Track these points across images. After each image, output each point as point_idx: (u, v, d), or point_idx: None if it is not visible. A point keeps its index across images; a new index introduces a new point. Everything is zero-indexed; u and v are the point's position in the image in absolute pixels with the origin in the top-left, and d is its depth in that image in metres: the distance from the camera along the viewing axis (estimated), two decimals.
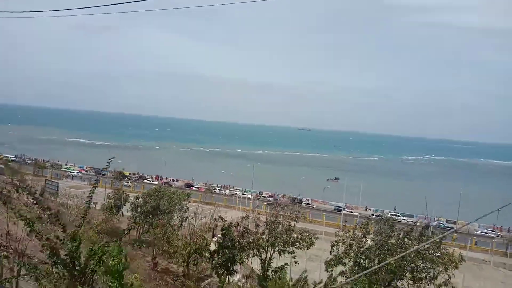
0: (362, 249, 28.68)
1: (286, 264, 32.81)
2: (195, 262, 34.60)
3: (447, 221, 73.42)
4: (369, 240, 28.84)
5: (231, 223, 34.33)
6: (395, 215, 79.62)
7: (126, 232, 8.40)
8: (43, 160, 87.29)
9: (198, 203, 48.68)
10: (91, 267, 5.35)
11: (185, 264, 33.74)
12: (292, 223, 33.49)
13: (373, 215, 71.86)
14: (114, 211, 47.32)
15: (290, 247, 32.29)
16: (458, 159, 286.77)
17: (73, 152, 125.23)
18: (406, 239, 28.13)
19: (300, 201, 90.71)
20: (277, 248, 31.92)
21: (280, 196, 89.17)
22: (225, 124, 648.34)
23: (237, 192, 79.60)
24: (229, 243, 32.32)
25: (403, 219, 74.28)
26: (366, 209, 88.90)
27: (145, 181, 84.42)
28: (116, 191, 49.05)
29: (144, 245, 41.43)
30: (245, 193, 79.39)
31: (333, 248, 30.18)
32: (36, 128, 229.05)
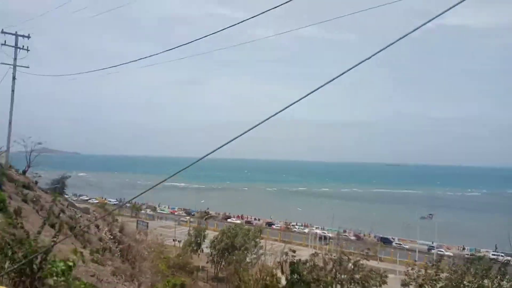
0: None
1: None
2: None
3: None
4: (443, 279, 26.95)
5: (300, 259, 34.53)
6: (497, 255, 71.49)
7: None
8: (140, 203, 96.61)
9: (264, 240, 49.23)
10: (38, 265, 6.40)
11: None
12: (362, 261, 32.52)
13: (467, 254, 65.55)
14: (194, 247, 50.15)
15: (357, 286, 31.24)
16: None
17: (167, 195, 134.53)
18: (485, 279, 25.80)
19: (389, 241, 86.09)
20: (345, 286, 31.11)
21: (363, 234, 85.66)
22: (312, 163, 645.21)
23: (317, 231, 78.51)
24: (297, 279, 32.47)
25: (507, 259, 66.41)
26: (461, 249, 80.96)
27: (228, 220, 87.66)
28: (196, 228, 51.95)
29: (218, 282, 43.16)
30: (325, 232, 77.99)
31: None
32: (137, 175, 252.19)
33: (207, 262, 47.95)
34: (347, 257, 32.84)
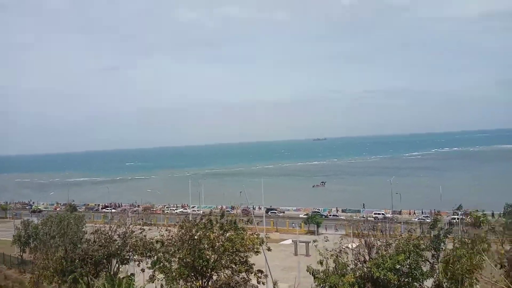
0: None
1: (132, 274, 32.74)
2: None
3: (393, 212, 71.26)
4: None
5: (87, 238, 34.88)
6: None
7: None
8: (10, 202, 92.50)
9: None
10: None
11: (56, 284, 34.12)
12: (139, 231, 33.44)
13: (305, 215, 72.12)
14: (23, 240, 48.70)
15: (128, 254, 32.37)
16: (470, 148, 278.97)
17: (62, 192, 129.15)
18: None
19: (273, 211, 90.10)
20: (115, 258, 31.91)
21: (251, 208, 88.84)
22: (239, 145, 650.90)
23: (188, 210, 79.80)
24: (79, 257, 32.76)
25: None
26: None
27: (104, 210, 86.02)
28: (23, 222, 50.36)
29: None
30: (195, 210, 79.66)
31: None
32: (48, 173, 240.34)
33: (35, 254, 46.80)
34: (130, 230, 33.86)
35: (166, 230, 31.72)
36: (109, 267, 33.03)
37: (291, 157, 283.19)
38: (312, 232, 58.70)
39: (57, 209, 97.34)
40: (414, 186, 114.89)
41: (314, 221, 60.73)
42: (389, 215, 62.39)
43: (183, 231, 27.98)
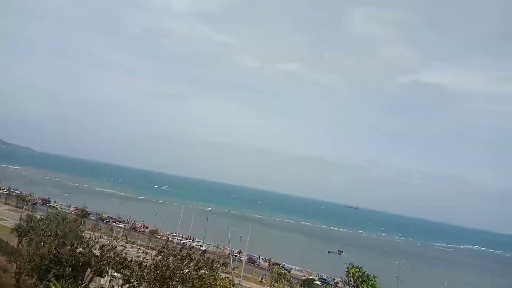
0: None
1: (102, 286, 32.27)
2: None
3: None
4: None
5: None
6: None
7: None
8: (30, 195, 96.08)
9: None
10: None
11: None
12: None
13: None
14: (20, 232, 49.66)
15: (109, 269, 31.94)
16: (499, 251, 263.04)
17: (81, 198, 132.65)
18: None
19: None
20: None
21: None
22: (277, 195, 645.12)
23: (186, 242, 78.94)
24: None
25: None
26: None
27: (113, 223, 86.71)
28: (29, 215, 51.60)
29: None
30: (198, 244, 78.34)
31: None
32: (69, 176, 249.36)
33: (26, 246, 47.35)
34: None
35: (144, 252, 31.31)
36: (83, 276, 32.81)
37: (316, 217, 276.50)
38: None
39: (73, 212, 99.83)
40: (424, 275, 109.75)
41: (309, 286, 57.92)
42: None
43: (159, 257, 27.46)
